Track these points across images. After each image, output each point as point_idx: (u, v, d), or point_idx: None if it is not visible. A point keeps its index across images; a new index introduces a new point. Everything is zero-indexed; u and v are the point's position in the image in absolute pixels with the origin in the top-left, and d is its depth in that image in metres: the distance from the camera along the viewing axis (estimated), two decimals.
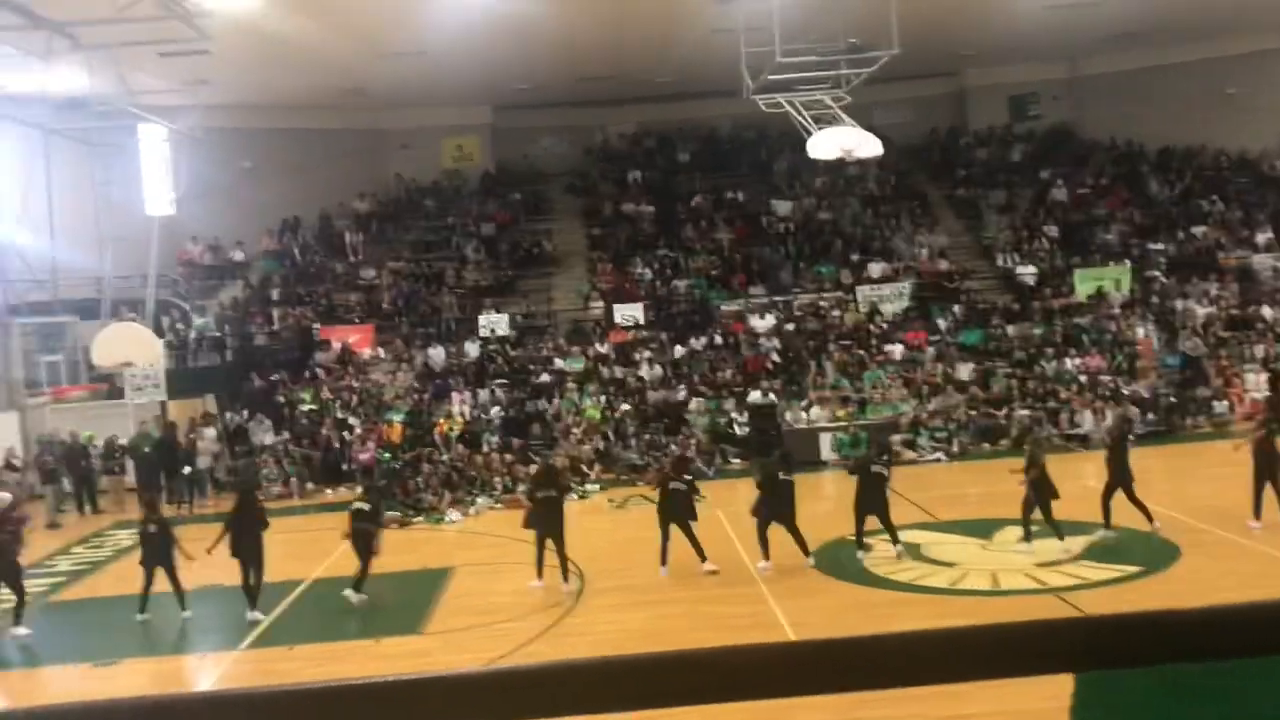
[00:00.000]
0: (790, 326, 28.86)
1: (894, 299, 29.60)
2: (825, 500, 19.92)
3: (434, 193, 35.93)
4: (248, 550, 14.23)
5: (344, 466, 24.67)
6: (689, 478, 15.83)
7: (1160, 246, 30.87)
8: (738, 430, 25.20)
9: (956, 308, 29.45)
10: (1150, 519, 15.52)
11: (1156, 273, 29.91)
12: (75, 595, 16.85)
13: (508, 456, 23.74)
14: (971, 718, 7.83)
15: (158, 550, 14.48)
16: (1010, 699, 7.35)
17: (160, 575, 14.39)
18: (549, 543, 14.79)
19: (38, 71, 22.05)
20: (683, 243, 33.00)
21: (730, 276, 31.30)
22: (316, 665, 12.22)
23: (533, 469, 20.00)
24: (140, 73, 24.15)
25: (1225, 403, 25.17)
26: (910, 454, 23.69)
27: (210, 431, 25.26)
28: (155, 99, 25.56)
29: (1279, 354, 26.61)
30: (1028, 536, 15.35)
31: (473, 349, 28.92)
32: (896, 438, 23.48)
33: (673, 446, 23.58)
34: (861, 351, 27.39)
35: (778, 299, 30.10)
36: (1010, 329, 28.43)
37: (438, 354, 28.84)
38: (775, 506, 15.09)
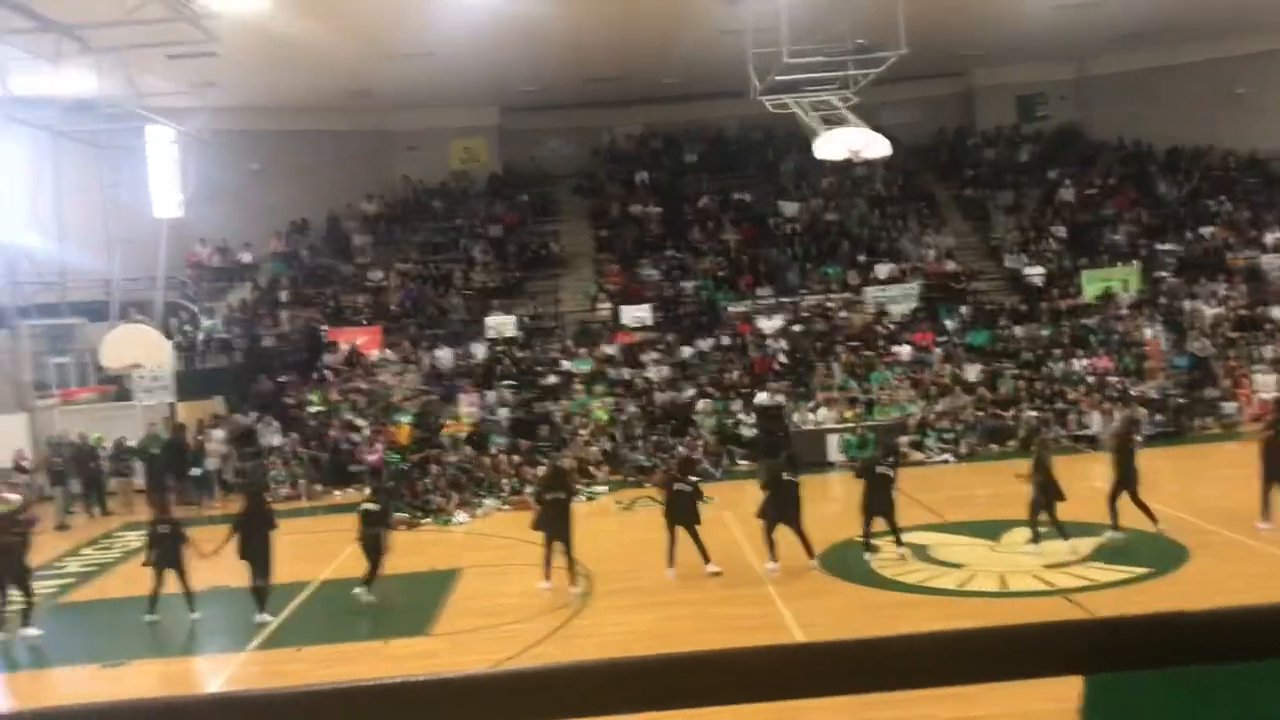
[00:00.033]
0: (798, 328, 28.83)
1: (901, 300, 29.58)
2: (833, 502, 19.91)
3: (441, 194, 35.98)
4: (256, 552, 14.24)
5: (352, 468, 24.70)
6: (695, 479, 15.84)
7: (1168, 247, 30.79)
8: (745, 432, 25.19)
9: (964, 309, 29.41)
10: (1154, 520, 15.49)
11: (1165, 273, 29.84)
12: (84, 597, 16.89)
13: (515, 458, 23.75)
14: (980, 719, 7.81)
15: (169, 551, 14.51)
16: (1019, 701, 7.34)
17: (170, 576, 14.43)
18: (557, 544, 14.80)
19: (46, 74, 22.13)
20: (690, 244, 33.00)
21: (737, 277, 31.29)
22: (325, 667, 12.23)
23: (540, 470, 20.01)
24: (148, 75, 24.22)
25: (1234, 404, 25.10)
26: (918, 455, 23.68)
27: (219, 433, 25.32)
28: (163, 101, 25.64)
29: None
30: (1036, 538, 15.32)
31: (480, 350, 28.96)
32: (904, 439, 23.46)
33: (680, 448, 23.57)
34: (869, 352, 27.36)
35: (785, 300, 30.09)
36: (1018, 330, 28.38)
37: (445, 355, 28.88)
38: (780, 507, 15.08)
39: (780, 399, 25.75)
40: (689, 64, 30.50)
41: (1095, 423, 24.09)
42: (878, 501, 15.41)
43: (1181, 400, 25.22)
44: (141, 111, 24.70)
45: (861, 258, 31.62)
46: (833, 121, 23.87)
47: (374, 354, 28.88)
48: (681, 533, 14.99)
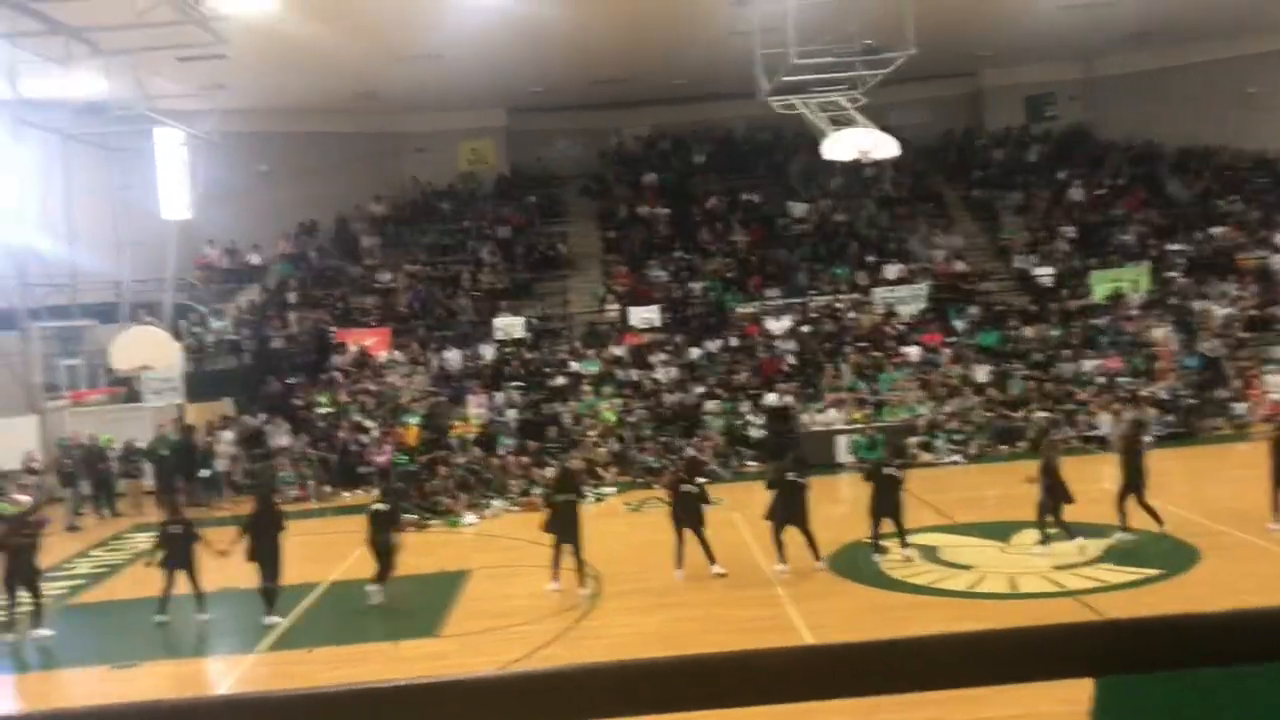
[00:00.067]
0: (806, 329, 28.80)
1: (910, 301, 29.52)
2: (841, 503, 19.88)
3: (449, 196, 36.03)
4: (265, 553, 14.27)
5: (360, 469, 24.73)
6: (701, 480, 15.84)
7: (1178, 247, 30.69)
8: (754, 433, 25.17)
9: (973, 309, 29.35)
10: (1159, 523, 15.46)
11: (1175, 273, 29.75)
12: (94, 598, 16.93)
13: (524, 459, 23.77)
14: None
15: (180, 551, 14.55)
16: (1030, 703, 7.32)
17: (181, 577, 14.47)
18: (566, 546, 14.81)
19: (56, 77, 22.22)
20: (698, 245, 32.99)
21: (746, 279, 31.27)
22: (334, 668, 12.25)
23: (549, 472, 20.00)
24: (158, 77, 24.30)
25: (1244, 404, 25.01)
26: (927, 456, 23.63)
27: (228, 434, 25.37)
28: (172, 104, 25.71)
29: None
30: (1045, 539, 15.30)
31: (488, 352, 28.98)
32: (913, 440, 23.42)
33: (688, 449, 23.56)
34: (878, 353, 27.32)
35: (793, 301, 30.06)
36: (1027, 330, 28.31)
37: (454, 357, 28.91)
38: (787, 508, 15.07)
39: (789, 400, 25.73)
40: (697, 65, 30.49)
41: (1105, 424, 24.03)
42: (886, 503, 15.40)
43: (1192, 401, 25.14)
44: (151, 114, 24.77)
45: (870, 258, 31.58)
46: (841, 122, 23.83)
47: (382, 355, 28.93)
48: (689, 534, 15.00)
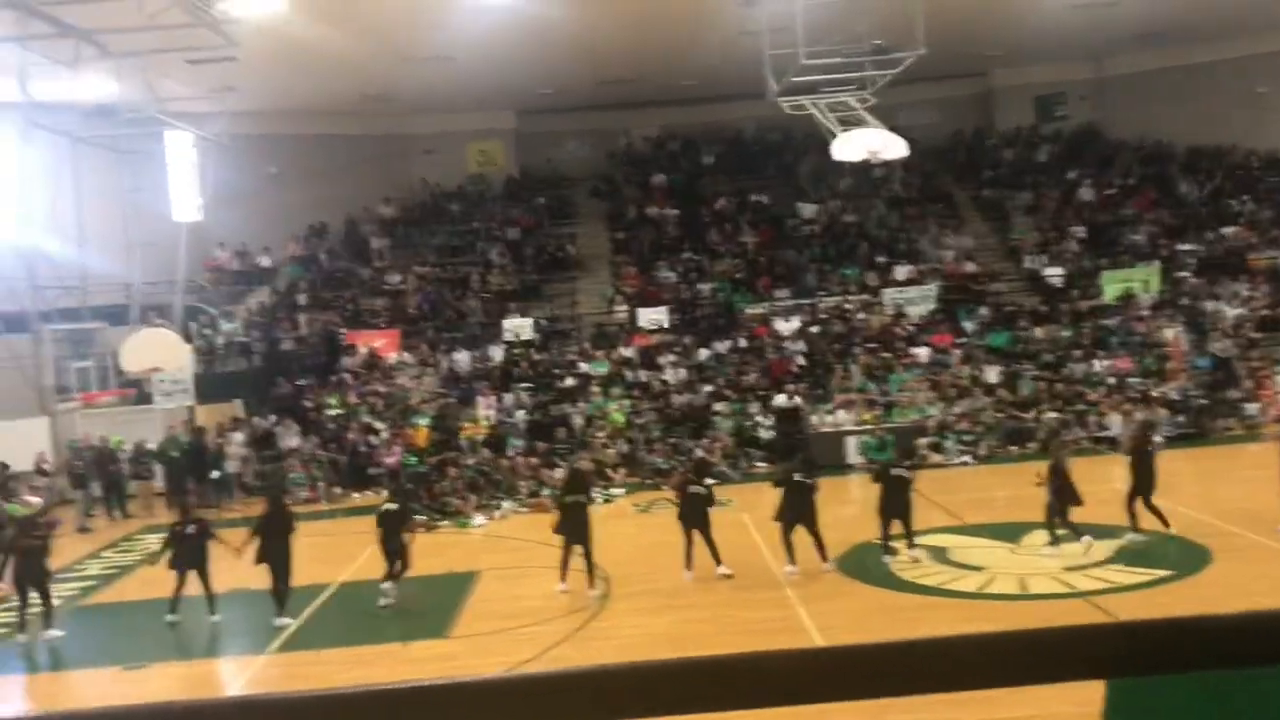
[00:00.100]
0: (815, 329, 28.77)
1: (920, 301, 29.48)
2: (851, 504, 19.85)
3: (459, 197, 36.08)
4: (276, 555, 14.30)
5: (370, 470, 24.76)
6: (710, 481, 15.84)
7: (1189, 247, 30.60)
8: (763, 434, 25.15)
9: (983, 310, 29.30)
10: (1166, 525, 15.43)
11: (1186, 273, 29.66)
12: (105, 599, 16.99)
13: (533, 460, 23.78)
14: None
15: (193, 552, 14.58)
16: (1041, 705, 7.29)
17: (192, 578, 14.50)
18: (576, 548, 14.81)
19: (66, 79, 22.28)
20: (707, 246, 32.97)
21: (755, 279, 31.26)
22: (344, 669, 12.27)
23: (558, 473, 20.00)
24: (168, 80, 24.37)
25: (1256, 405, 24.92)
26: (937, 457, 23.58)
27: (238, 436, 25.43)
28: (182, 106, 25.79)
29: None
30: (1054, 540, 15.26)
31: (498, 353, 29.01)
32: (923, 441, 23.38)
33: (697, 450, 23.55)
34: (887, 354, 27.28)
35: (803, 302, 30.04)
36: (1037, 331, 28.24)
37: (463, 358, 28.94)
38: (795, 509, 15.06)
39: (798, 401, 25.70)
40: (705, 66, 30.49)
41: (1115, 424, 23.95)
42: (895, 504, 15.39)
43: (1203, 401, 25.05)
44: (161, 116, 24.84)
45: (880, 259, 31.54)
46: (850, 122, 23.81)
47: (392, 357, 28.97)
48: (697, 535, 14.99)
